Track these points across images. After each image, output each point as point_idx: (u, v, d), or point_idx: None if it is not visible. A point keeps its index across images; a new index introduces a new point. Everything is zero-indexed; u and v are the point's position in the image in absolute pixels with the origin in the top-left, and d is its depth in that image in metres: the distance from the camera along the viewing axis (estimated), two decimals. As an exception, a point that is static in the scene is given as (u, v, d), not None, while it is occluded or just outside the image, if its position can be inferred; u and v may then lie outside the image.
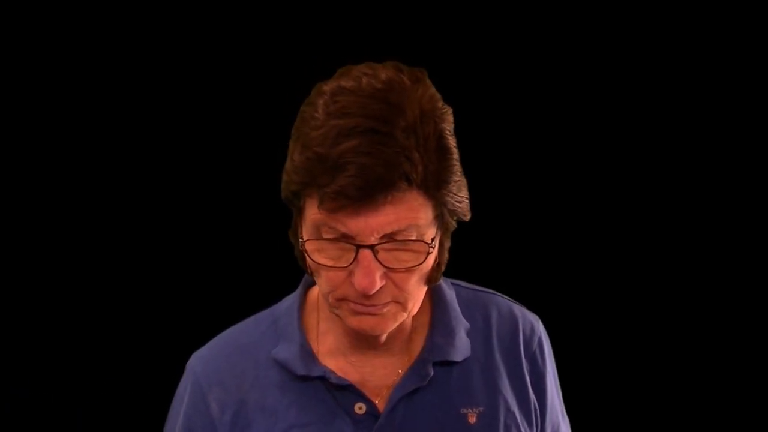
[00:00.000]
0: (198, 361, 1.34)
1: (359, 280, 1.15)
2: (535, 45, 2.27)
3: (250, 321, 1.37)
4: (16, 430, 2.19)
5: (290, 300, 1.35)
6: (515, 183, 2.28)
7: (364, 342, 1.27)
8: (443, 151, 1.15)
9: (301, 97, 1.21)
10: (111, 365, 2.22)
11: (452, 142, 1.18)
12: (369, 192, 1.11)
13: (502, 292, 1.42)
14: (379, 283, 1.16)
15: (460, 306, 1.34)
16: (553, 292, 2.27)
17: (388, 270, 1.17)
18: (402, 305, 1.21)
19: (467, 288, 1.38)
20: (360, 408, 1.27)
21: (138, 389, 2.18)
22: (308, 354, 1.29)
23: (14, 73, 2.17)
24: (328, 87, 1.17)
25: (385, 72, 1.17)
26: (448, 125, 1.18)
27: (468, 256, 1.31)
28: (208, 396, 1.31)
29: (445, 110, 1.19)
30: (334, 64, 1.20)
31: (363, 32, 2.18)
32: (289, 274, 1.31)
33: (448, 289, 1.34)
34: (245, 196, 2.15)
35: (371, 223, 1.13)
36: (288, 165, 1.18)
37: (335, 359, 1.30)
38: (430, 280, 1.24)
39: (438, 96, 1.20)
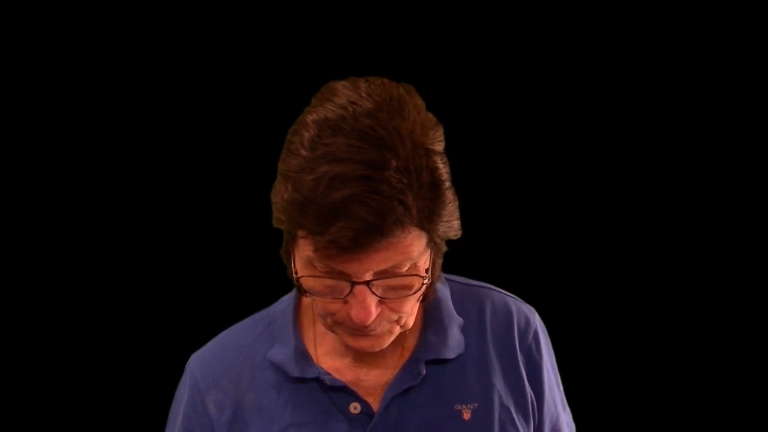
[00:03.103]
0: (196, 362, 1.35)
1: (356, 313, 1.16)
2: (531, 45, 2.27)
3: (247, 322, 1.38)
4: (17, 429, 2.20)
5: (286, 301, 1.36)
6: (512, 177, 2.28)
7: None
8: (436, 184, 1.13)
9: (298, 95, 1.21)
10: (110, 364, 2.22)
11: (444, 169, 1.16)
12: (362, 241, 1.10)
13: (499, 285, 1.41)
14: (375, 313, 1.17)
15: (453, 302, 1.35)
16: (550, 283, 2.26)
17: (384, 299, 1.18)
18: (398, 323, 1.22)
19: (461, 283, 1.38)
20: (355, 408, 1.28)
21: (138, 389, 2.18)
22: (303, 356, 1.30)
23: (14, 72, 2.17)
24: (311, 117, 1.14)
25: (370, 98, 1.14)
26: (439, 146, 1.17)
27: (465, 252, 1.30)
28: (206, 398, 1.32)
29: (436, 132, 1.17)
30: (329, 63, 1.19)
31: (355, 31, 2.18)
32: (286, 271, 1.30)
33: (442, 286, 1.34)
34: (242, 194, 2.14)
35: (365, 265, 1.13)
36: (278, 201, 1.15)
37: (332, 359, 1.30)
38: (425, 298, 1.25)
39: (427, 117, 1.17)
